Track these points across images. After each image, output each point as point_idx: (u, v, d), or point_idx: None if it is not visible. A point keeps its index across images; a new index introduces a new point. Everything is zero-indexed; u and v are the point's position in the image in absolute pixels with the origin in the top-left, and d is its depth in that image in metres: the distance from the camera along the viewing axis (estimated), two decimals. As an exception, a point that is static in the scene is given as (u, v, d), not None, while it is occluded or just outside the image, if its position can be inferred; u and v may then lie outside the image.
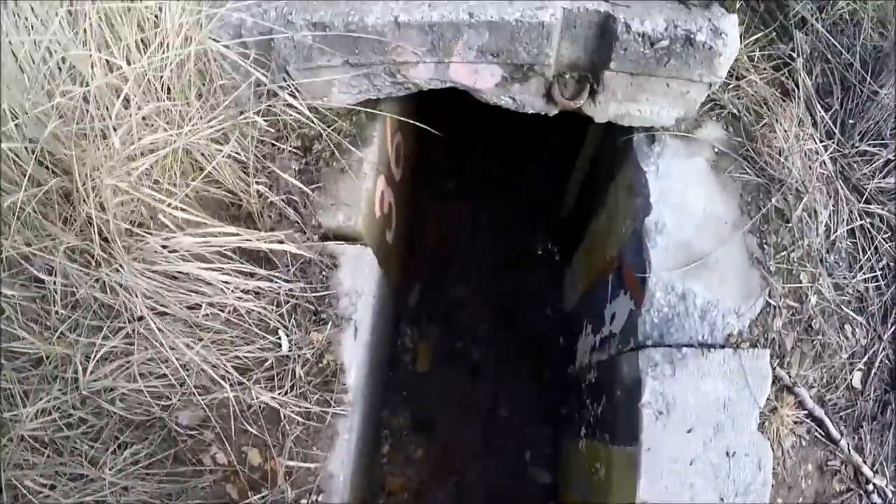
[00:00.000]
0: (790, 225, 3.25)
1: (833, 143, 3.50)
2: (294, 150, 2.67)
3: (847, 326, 3.39)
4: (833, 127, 3.56)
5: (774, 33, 3.63)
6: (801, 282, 3.24)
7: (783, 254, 3.23)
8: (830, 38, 3.66)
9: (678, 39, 2.73)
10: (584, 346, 3.93)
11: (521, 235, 5.06)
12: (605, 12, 2.69)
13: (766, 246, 3.19)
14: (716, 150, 3.29)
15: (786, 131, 3.37)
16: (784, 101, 3.52)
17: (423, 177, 4.84)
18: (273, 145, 2.58)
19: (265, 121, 2.50)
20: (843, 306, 3.33)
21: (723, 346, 2.72)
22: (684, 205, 3.09)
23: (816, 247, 3.33)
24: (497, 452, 4.36)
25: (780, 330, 3.16)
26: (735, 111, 3.37)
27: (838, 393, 3.26)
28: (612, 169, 3.56)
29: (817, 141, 3.46)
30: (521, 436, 4.45)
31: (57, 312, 2.08)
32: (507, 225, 5.05)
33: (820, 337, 3.23)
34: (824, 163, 3.45)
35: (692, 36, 2.71)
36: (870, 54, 3.74)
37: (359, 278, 2.62)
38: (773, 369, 3.00)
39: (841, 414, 3.25)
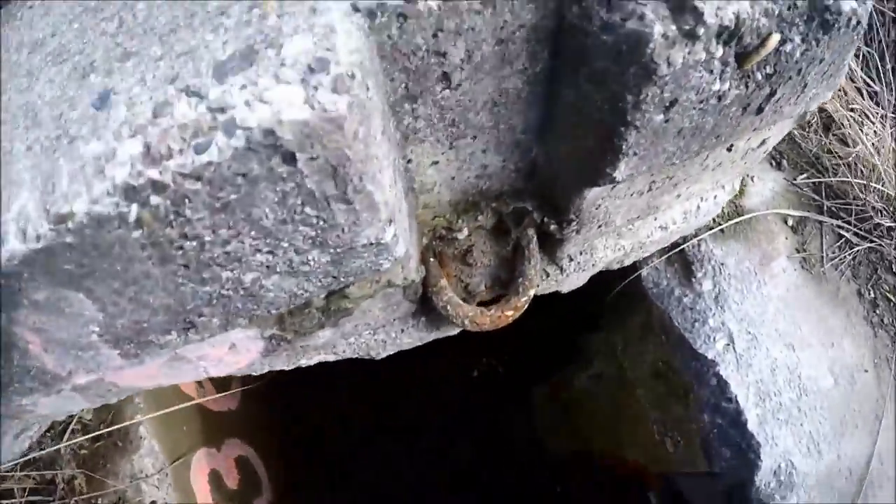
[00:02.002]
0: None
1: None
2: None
3: None
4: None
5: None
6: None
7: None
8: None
9: (810, 27, 0.70)
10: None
11: (447, 357, 2.95)
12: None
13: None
14: (790, 223, 1.43)
15: (850, 113, 1.59)
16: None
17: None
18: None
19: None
20: None
21: None
22: (805, 390, 1.21)
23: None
24: None
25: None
26: (772, 121, 1.52)
27: None
28: (593, 316, 1.57)
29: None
30: None
31: None
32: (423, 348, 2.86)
33: None
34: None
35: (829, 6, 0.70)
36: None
37: None
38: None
39: None
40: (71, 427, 1.33)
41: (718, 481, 1.30)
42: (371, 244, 0.53)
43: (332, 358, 0.87)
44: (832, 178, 1.49)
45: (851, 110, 1.62)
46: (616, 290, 1.25)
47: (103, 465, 1.31)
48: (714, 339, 1.15)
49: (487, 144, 0.69)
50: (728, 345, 1.15)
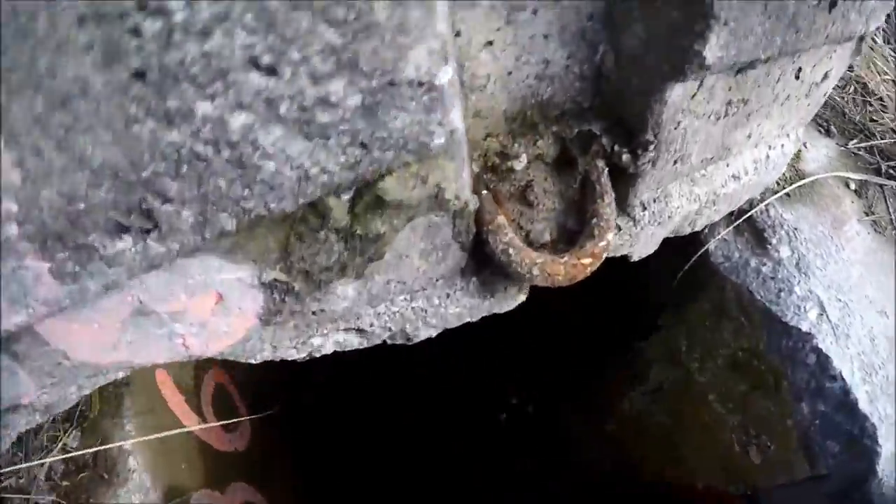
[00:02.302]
0: None
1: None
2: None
3: None
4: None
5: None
6: None
7: None
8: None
9: None
10: None
11: (470, 400, 2.63)
12: None
13: None
14: (852, 187, 1.28)
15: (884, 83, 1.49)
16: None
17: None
18: None
19: None
20: None
21: None
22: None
23: None
24: None
25: None
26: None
27: None
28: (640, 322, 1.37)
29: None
30: None
31: None
32: (440, 382, 2.58)
33: None
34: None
35: None
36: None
37: None
38: None
39: None
40: (53, 453, 1.12)
41: (824, 485, 1.03)
42: (420, 83, 0.36)
43: (355, 341, 0.66)
44: (884, 141, 1.36)
45: (885, 81, 1.54)
46: (683, 270, 1.05)
47: (86, 498, 1.12)
48: (805, 308, 0.94)
49: (550, 28, 0.54)
50: (821, 314, 0.95)
